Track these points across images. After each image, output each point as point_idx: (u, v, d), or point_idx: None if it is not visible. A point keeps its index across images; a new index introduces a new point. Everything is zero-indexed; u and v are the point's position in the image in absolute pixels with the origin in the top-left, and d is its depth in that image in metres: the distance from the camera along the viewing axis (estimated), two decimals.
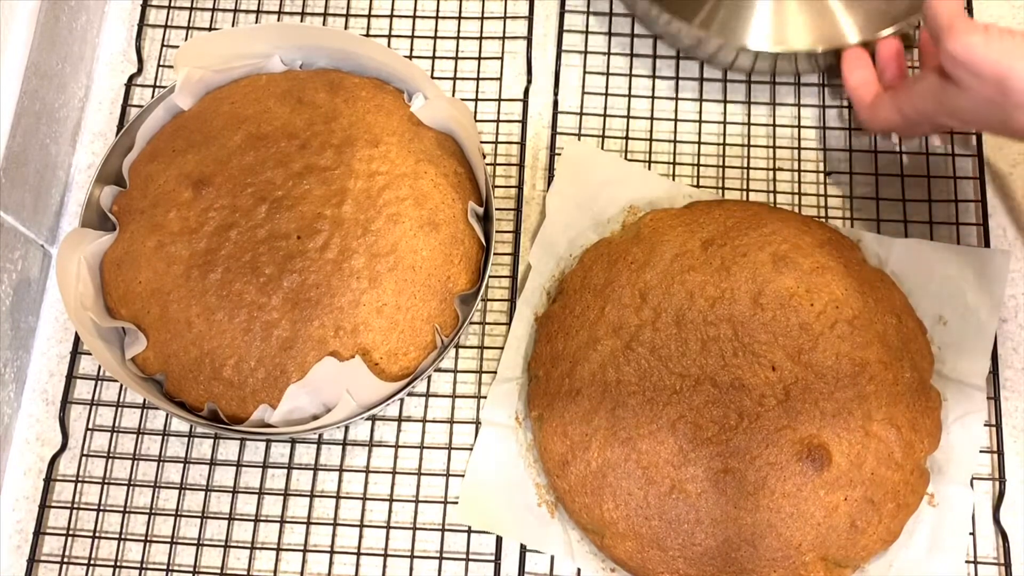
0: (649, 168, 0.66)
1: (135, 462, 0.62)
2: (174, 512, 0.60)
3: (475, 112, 0.68)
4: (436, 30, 0.70)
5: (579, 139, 0.67)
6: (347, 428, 0.62)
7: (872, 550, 0.55)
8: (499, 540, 0.59)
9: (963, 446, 0.58)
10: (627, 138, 0.67)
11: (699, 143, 0.67)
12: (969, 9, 0.69)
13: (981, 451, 0.59)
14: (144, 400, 0.62)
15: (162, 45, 0.71)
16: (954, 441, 0.58)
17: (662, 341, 0.57)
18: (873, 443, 0.55)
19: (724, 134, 0.67)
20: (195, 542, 0.60)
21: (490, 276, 0.62)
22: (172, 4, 0.72)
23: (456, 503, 0.60)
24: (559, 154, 0.66)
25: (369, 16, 0.71)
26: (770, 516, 0.54)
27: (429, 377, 0.62)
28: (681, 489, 0.55)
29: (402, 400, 0.62)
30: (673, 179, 0.65)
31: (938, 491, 0.58)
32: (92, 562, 0.60)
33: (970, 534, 0.58)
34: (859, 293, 0.58)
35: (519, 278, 0.64)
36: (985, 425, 0.59)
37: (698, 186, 0.65)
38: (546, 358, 0.59)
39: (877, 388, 0.56)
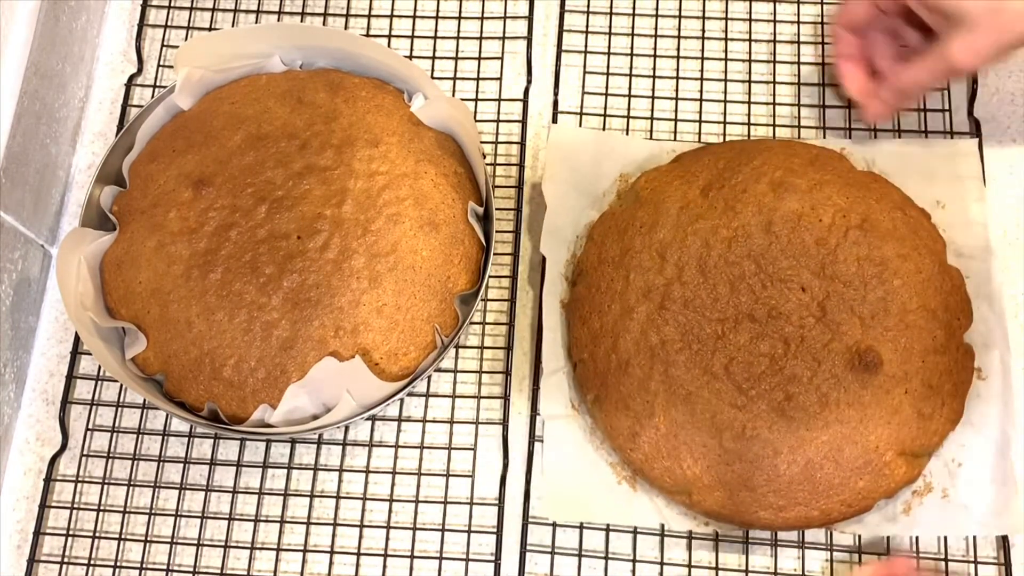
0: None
1: (135, 462, 0.62)
2: (174, 512, 0.60)
3: (475, 112, 0.68)
4: (436, 30, 0.70)
5: None
6: (347, 428, 0.62)
7: (943, 433, 0.57)
8: (499, 540, 0.59)
9: (993, 314, 0.60)
10: None
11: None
12: None
13: None
14: (144, 400, 0.62)
15: (162, 45, 0.71)
16: (984, 313, 0.60)
17: (692, 293, 0.58)
18: (915, 333, 0.57)
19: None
20: (195, 542, 0.60)
21: (490, 276, 0.62)
22: (172, 4, 0.72)
23: (457, 503, 0.60)
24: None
25: (369, 16, 0.71)
26: (842, 428, 0.55)
27: (429, 377, 0.62)
28: (752, 427, 0.56)
29: (402, 400, 0.62)
30: None
31: (984, 364, 0.59)
32: (92, 562, 0.60)
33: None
34: (860, 197, 0.59)
35: (520, 274, 0.64)
36: None
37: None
38: (586, 340, 0.60)
39: (903, 280, 0.57)
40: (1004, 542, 0.58)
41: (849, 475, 0.55)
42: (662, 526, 0.59)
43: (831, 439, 0.55)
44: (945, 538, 0.58)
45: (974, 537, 0.58)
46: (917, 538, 0.58)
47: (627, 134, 0.67)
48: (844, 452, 0.55)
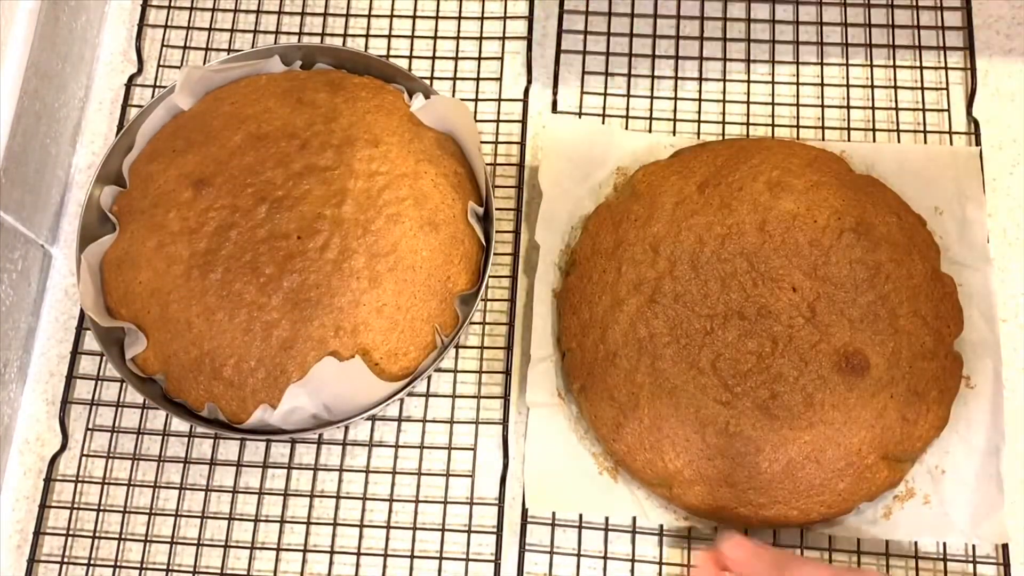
0: None
1: (135, 462, 0.62)
2: (174, 512, 0.60)
3: (475, 112, 0.68)
4: (436, 30, 0.70)
5: None
6: (347, 428, 0.62)
7: (927, 439, 0.57)
8: (499, 540, 0.59)
9: (985, 323, 0.60)
10: None
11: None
12: (968, 9, 0.69)
13: None
14: (144, 400, 0.62)
15: (162, 45, 0.71)
16: (977, 322, 0.60)
17: (683, 288, 0.58)
18: (904, 338, 0.57)
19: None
20: (195, 542, 0.60)
21: (490, 276, 0.62)
22: (172, 4, 0.72)
23: (457, 503, 0.60)
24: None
25: (369, 16, 0.71)
26: (825, 429, 0.56)
27: (429, 377, 0.62)
28: (736, 423, 0.56)
29: (402, 400, 0.62)
30: None
31: (974, 373, 0.59)
32: (92, 562, 0.60)
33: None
34: (856, 200, 0.60)
35: (520, 274, 0.64)
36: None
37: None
38: (575, 330, 0.60)
39: (895, 285, 0.58)
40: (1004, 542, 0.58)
41: (831, 476, 0.56)
42: (661, 526, 0.59)
43: (814, 439, 0.56)
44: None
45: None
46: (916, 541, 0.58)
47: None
48: (827, 453, 0.56)
